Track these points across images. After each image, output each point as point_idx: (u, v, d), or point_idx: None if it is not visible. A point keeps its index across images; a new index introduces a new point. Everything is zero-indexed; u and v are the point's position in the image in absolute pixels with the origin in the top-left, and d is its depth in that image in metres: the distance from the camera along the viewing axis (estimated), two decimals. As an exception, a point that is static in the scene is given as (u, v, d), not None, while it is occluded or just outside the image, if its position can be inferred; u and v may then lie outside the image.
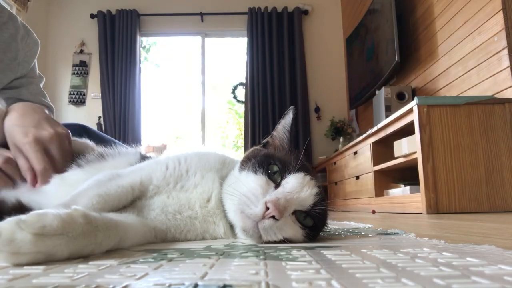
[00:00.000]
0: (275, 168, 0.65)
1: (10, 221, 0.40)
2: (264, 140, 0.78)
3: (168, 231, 0.68)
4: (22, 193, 0.73)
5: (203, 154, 0.77)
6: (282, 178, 0.64)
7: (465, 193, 1.95)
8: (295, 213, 0.62)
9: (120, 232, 0.54)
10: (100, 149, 0.89)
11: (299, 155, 0.69)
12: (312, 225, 0.64)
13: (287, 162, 0.66)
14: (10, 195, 0.70)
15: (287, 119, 0.74)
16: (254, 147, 0.78)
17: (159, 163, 0.74)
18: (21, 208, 0.66)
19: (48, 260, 0.42)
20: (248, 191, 0.62)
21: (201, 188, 0.71)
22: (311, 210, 0.62)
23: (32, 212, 0.42)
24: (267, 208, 0.58)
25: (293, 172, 0.64)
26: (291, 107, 0.75)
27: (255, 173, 0.65)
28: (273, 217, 0.58)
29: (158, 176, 0.71)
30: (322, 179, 4.21)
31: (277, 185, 0.64)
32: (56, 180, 0.78)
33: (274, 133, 0.77)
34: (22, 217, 0.41)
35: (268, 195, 0.61)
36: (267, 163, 0.66)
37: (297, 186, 0.62)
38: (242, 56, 4.86)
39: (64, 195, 0.65)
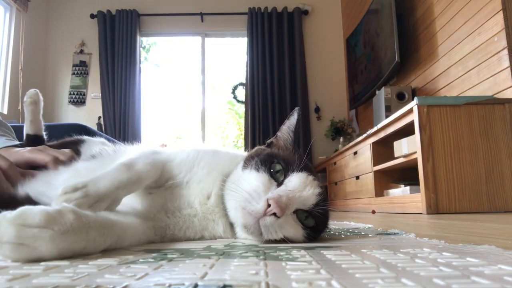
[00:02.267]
0: (278, 167, 0.66)
1: None
2: (268, 140, 0.79)
3: (167, 228, 0.68)
4: (33, 187, 0.76)
5: (217, 152, 0.78)
6: (285, 177, 0.64)
7: (465, 193, 1.95)
8: (297, 212, 0.62)
9: (117, 231, 0.53)
10: (113, 146, 0.92)
11: (303, 155, 0.69)
12: (314, 225, 0.64)
13: (290, 161, 0.66)
14: (22, 190, 0.73)
15: (292, 120, 0.74)
16: (258, 147, 0.79)
17: (182, 150, 0.77)
18: (30, 202, 0.67)
19: (36, 255, 0.42)
20: (250, 188, 0.63)
21: (203, 184, 0.71)
22: (313, 209, 0.62)
23: (21, 207, 0.44)
24: (269, 205, 0.58)
25: (296, 171, 0.64)
26: (296, 108, 0.75)
27: (258, 171, 0.65)
28: (274, 214, 0.58)
29: (178, 161, 0.73)
30: (322, 179, 4.21)
31: (280, 184, 0.64)
32: (69, 172, 0.79)
33: (279, 133, 0.77)
34: (13, 211, 0.43)
35: (270, 192, 0.61)
36: (270, 161, 0.66)
37: (299, 185, 0.62)
38: (242, 56, 4.86)
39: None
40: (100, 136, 1.62)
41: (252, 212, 0.60)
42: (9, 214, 0.42)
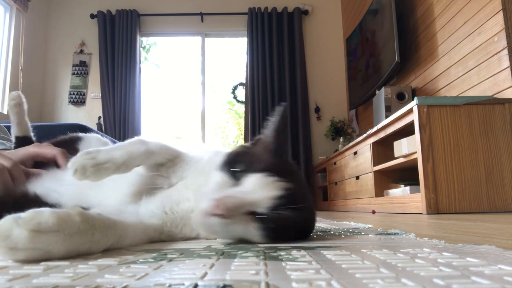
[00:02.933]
0: (240, 167, 0.64)
1: (8, 218, 0.42)
2: (256, 137, 0.78)
3: (164, 225, 0.69)
4: (41, 185, 0.78)
5: (219, 152, 0.80)
6: (245, 177, 0.62)
7: (465, 193, 1.95)
8: (253, 213, 0.59)
9: (118, 231, 0.54)
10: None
11: (284, 154, 0.68)
12: (273, 227, 0.60)
13: (255, 161, 0.64)
14: (31, 188, 0.76)
15: (276, 116, 0.73)
16: (242, 144, 0.78)
17: (191, 148, 0.83)
18: (37, 201, 0.72)
19: (46, 257, 0.43)
20: (208, 187, 0.64)
21: (200, 177, 0.72)
22: (269, 213, 0.59)
23: (30, 210, 0.43)
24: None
25: (257, 172, 0.62)
26: (283, 103, 0.74)
27: (221, 170, 0.65)
28: (221, 215, 0.57)
29: (188, 154, 0.79)
30: (322, 179, 4.21)
31: (237, 184, 0.62)
32: None
33: (265, 131, 0.76)
34: (21, 214, 0.42)
35: (221, 192, 0.60)
36: (234, 161, 0.65)
37: (254, 187, 0.60)
38: (242, 56, 4.86)
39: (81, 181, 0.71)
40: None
41: (201, 211, 0.59)
42: (19, 218, 0.42)
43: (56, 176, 0.82)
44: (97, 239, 0.49)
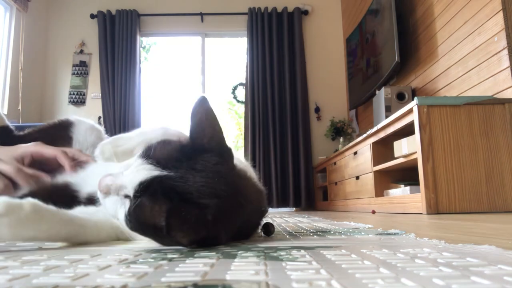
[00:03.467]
0: (145, 154, 0.61)
1: None
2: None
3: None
4: (68, 175, 0.84)
5: None
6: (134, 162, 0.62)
7: (465, 193, 1.95)
8: (127, 197, 0.58)
9: (74, 227, 0.60)
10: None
11: (197, 150, 0.61)
12: (134, 215, 0.56)
13: (148, 148, 0.62)
14: (60, 178, 0.82)
15: (192, 110, 0.68)
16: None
17: None
18: (67, 189, 0.78)
19: None
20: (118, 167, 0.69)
21: None
22: (132, 197, 0.56)
23: None
24: None
25: (140, 158, 0.60)
26: (202, 94, 0.74)
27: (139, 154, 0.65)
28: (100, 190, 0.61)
29: None
30: (322, 179, 4.21)
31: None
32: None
33: None
34: None
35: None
36: (150, 148, 0.63)
37: (130, 170, 0.58)
38: (242, 56, 4.86)
39: (106, 170, 0.74)
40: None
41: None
42: None
43: (85, 165, 0.86)
44: (44, 229, 0.55)
